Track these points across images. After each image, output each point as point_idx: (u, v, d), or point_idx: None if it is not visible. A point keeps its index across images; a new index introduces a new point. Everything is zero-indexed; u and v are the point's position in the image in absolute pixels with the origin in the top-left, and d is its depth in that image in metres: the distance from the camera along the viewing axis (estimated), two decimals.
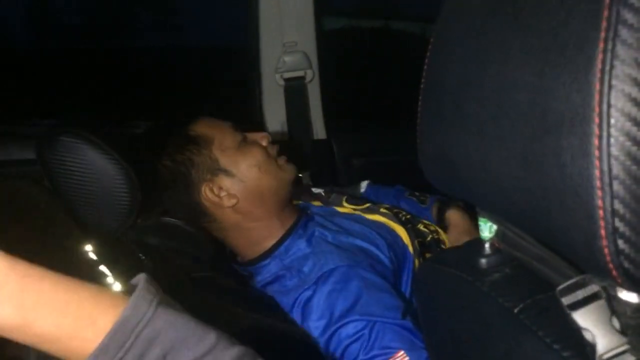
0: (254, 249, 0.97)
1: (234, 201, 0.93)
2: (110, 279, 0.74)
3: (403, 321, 0.81)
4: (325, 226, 0.98)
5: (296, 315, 0.87)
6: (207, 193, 0.93)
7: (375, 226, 0.99)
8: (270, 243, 0.96)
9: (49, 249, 0.77)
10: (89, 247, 0.80)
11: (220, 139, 0.95)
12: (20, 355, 0.74)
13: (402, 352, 0.77)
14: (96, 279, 0.73)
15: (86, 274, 0.73)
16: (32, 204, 0.89)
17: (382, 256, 0.93)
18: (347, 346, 0.80)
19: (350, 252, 0.91)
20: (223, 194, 0.93)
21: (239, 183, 0.94)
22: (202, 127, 0.96)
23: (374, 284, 0.85)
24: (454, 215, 1.10)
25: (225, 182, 0.94)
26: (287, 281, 0.90)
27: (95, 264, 0.76)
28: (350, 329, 0.81)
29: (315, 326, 0.84)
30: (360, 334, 0.80)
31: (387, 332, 0.79)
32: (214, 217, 0.95)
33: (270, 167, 0.96)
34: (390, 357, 0.77)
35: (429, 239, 1.05)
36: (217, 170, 0.93)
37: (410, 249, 0.99)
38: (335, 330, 0.81)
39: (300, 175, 1.32)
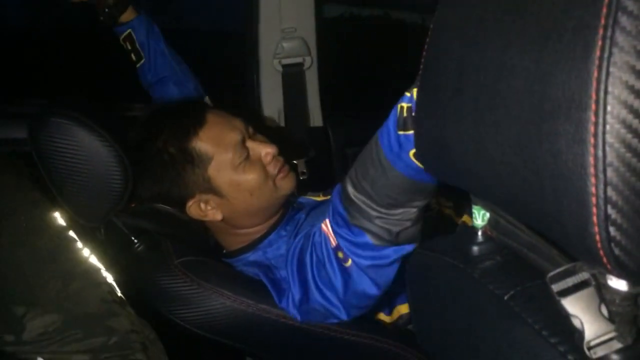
0: (238, 241, 0.97)
1: (219, 217, 0.92)
2: (79, 243, 0.73)
3: None
4: (309, 220, 0.96)
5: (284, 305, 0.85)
6: (191, 209, 0.91)
7: None
8: (254, 237, 0.95)
9: (16, 216, 0.75)
10: (57, 214, 0.79)
11: (219, 159, 0.88)
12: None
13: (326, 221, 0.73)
14: (66, 245, 0.72)
15: (56, 239, 0.72)
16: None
17: None
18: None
19: None
20: (209, 208, 0.91)
21: (227, 203, 0.91)
22: (205, 142, 0.89)
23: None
24: None
25: (214, 200, 0.91)
26: (271, 276, 0.89)
27: (64, 229, 0.75)
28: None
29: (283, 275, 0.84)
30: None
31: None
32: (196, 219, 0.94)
33: (264, 190, 0.91)
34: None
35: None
36: (207, 189, 0.90)
37: None
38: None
39: (295, 162, 1.32)
